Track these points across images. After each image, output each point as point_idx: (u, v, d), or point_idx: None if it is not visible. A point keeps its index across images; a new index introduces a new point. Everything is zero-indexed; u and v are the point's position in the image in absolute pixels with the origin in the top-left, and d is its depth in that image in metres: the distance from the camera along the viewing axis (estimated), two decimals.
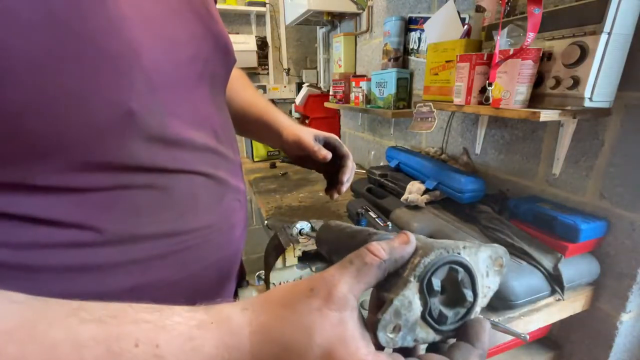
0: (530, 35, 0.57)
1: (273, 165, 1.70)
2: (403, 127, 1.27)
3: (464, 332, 0.24)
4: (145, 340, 0.19)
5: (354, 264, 0.23)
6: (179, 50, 0.32)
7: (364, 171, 1.32)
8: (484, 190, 0.81)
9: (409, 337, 0.23)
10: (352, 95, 1.36)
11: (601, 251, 0.65)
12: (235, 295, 0.51)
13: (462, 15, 0.85)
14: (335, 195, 0.60)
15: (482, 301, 0.25)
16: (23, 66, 0.21)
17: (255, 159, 1.86)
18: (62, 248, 0.26)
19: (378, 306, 0.23)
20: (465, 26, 0.78)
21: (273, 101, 2.26)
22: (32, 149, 0.24)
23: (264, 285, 0.54)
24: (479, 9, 0.75)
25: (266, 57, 2.19)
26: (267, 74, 2.24)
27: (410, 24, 1.13)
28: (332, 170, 0.61)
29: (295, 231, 0.51)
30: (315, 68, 2.21)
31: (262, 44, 2.14)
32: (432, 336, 0.23)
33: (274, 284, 0.50)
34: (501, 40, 0.65)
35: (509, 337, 0.58)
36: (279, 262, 0.49)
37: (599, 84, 0.54)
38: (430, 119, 0.83)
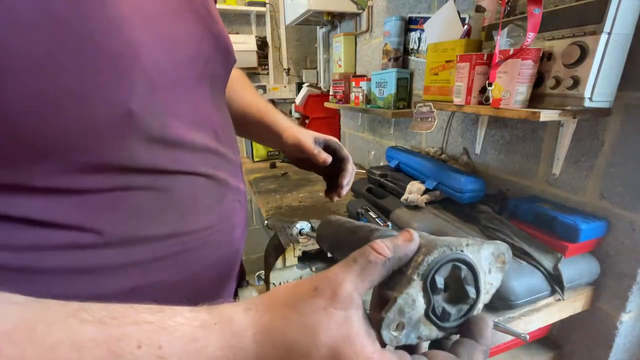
0: (530, 35, 0.57)
1: (273, 165, 1.70)
2: (403, 127, 1.27)
3: (467, 329, 0.24)
4: (147, 341, 0.19)
5: (358, 263, 0.22)
6: (179, 50, 0.32)
7: (364, 171, 1.32)
8: (484, 190, 0.81)
9: (413, 335, 0.23)
10: (352, 95, 1.36)
11: (601, 251, 0.65)
12: (235, 295, 0.51)
13: (462, 15, 0.85)
14: (336, 198, 0.60)
15: (485, 297, 0.25)
16: (23, 66, 0.21)
17: (255, 159, 1.86)
18: (61, 250, 0.26)
19: (381, 304, 0.23)
20: (465, 26, 0.78)
21: (273, 101, 2.26)
22: (31, 149, 0.24)
23: (264, 285, 0.54)
24: (479, 9, 0.75)
25: (266, 57, 2.19)
26: (267, 74, 2.24)
27: (410, 24, 1.13)
28: (332, 172, 0.61)
29: (295, 231, 0.51)
30: (315, 68, 2.21)
31: (262, 44, 2.14)
32: (435, 333, 0.23)
33: (274, 284, 0.50)
34: (501, 40, 0.65)
35: (509, 337, 0.58)
36: (279, 262, 0.49)
37: (599, 84, 0.54)
38: (430, 119, 0.83)
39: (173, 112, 0.31)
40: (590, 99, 0.55)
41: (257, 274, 1.57)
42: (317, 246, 0.49)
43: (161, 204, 0.31)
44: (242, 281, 0.52)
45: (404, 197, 0.88)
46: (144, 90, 0.28)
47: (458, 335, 0.25)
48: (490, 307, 0.60)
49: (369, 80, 1.26)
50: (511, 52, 0.60)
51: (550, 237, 0.65)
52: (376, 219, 0.90)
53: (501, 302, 0.58)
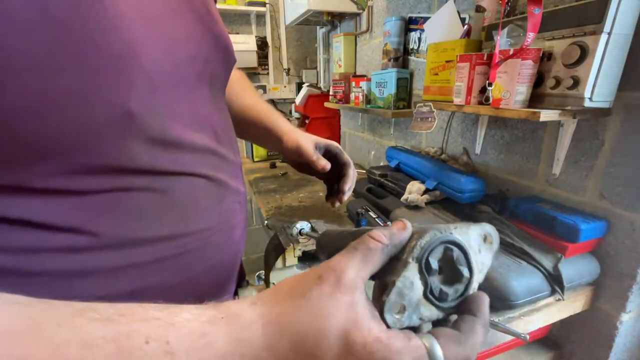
0: (530, 35, 0.57)
1: (273, 165, 1.70)
2: (403, 127, 1.27)
3: (466, 307, 0.25)
4: (155, 337, 0.19)
5: (359, 250, 0.24)
6: (179, 50, 0.32)
7: (364, 171, 1.32)
8: (484, 190, 0.81)
9: (414, 316, 0.24)
10: (352, 95, 1.36)
11: (601, 251, 0.65)
12: (235, 295, 0.51)
13: (462, 15, 0.85)
14: (337, 204, 0.60)
15: (479, 277, 0.27)
16: (22, 66, 0.21)
17: (255, 159, 1.86)
18: (58, 252, 0.26)
19: (381, 291, 0.24)
20: (465, 26, 0.78)
21: (273, 101, 2.26)
22: (30, 150, 0.23)
23: (264, 285, 0.54)
24: (479, 9, 0.75)
25: (266, 57, 2.19)
26: (267, 74, 2.24)
27: (410, 24, 1.13)
28: (333, 177, 0.61)
29: (295, 231, 0.51)
30: (315, 68, 2.21)
31: (262, 44, 2.14)
32: (435, 313, 0.25)
33: (273, 283, 0.51)
34: (501, 40, 0.65)
35: (509, 337, 0.58)
36: (279, 262, 0.49)
37: (599, 84, 0.54)
38: (430, 119, 0.83)
39: (173, 112, 0.31)
40: (590, 99, 0.55)
41: (257, 274, 1.57)
42: None
43: (161, 205, 0.31)
44: (242, 281, 0.52)
45: (404, 197, 0.88)
46: (143, 90, 0.28)
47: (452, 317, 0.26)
48: (490, 307, 0.59)
49: (369, 80, 1.26)
50: (511, 52, 0.60)
51: (550, 237, 0.65)
52: (376, 219, 0.90)
53: (501, 302, 0.58)
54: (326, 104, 1.62)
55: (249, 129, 0.61)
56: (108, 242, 0.28)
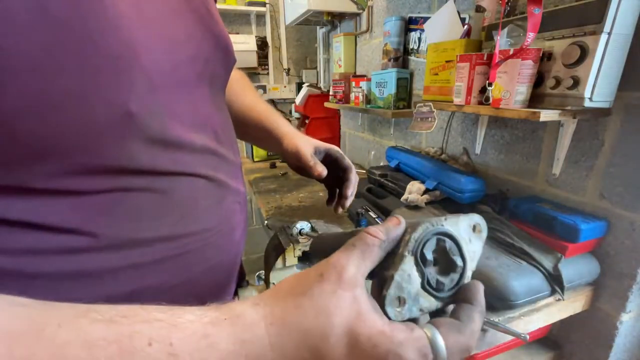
0: (530, 35, 0.57)
1: (273, 165, 1.70)
2: (403, 127, 1.27)
3: (462, 296, 0.26)
4: (158, 338, 0.19)
5: (357, 247, 0.24)
6: (179, 50, 0.32)
7: (364, 171, 1.32)
8: (484, 190, 0.81)
9: (414, 308, 0.25)
10: (352, 95, 1.36)
11: (601, 251, 0.65)
12: (235, 295, 0.51)
13: (462, 15, 0.85)
14: (340, 210, 0.59)
15: (471, 265, 0.27)
16: (21, 66, 0.21)
17: (255, 159, 1.86)
18: (58, 254, 0.26)
19: (380, 287, 0.25)
20: (465, 26, 0.78)
21: (273, 101, 2.26)
22: (30, 150, 0.23)
23: (264, 285, 0.54)
24: (479, 9, 0.75)
25: (266, 57, 2.19)
26: (267, 74, 2.24)
27: (410, 24, 1.13)
28: (333, 181, 0.60)
29: (295, 231, 0.51)
30: (315, 68, 2.21)
31: (262, 44, 2.14)
32: (434, 304, 0.26)
33: (273, 283, 0.50)
34: (501, 40, 0.65)
35: (509, 337, 0.58)
36: (279, 262, 0.49)
37: (599, 84, 0.55)
38: (430, 119, 0.83)
39: (173, 112, 0.31)
40: (590, 99, 0.55)
41: (257, 274, 1.57)
42: None
43: (161, 205, 0.31)
44: (242, 281, 0.52)
45: (404, 197, 0.88)
46: (143, 90, 0.28)
47: (449, 307, 0.27)
48: (490, 307, 0.60)
49: (369, 80, 1.26)
50: (511, 52, 0.60)
51: (550, 237, 0.65)
52: (376, 219, 0.90)
53: (501, 302, 0.58)
54: (326, 104, 1.62)
55: (249, 130, 0.61)
56: (107, 243, 0.28)
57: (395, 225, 0.26)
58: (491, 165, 0.88)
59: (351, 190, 0.57)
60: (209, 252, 0.36)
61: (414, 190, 0.88)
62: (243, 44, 2.00)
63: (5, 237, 0.24)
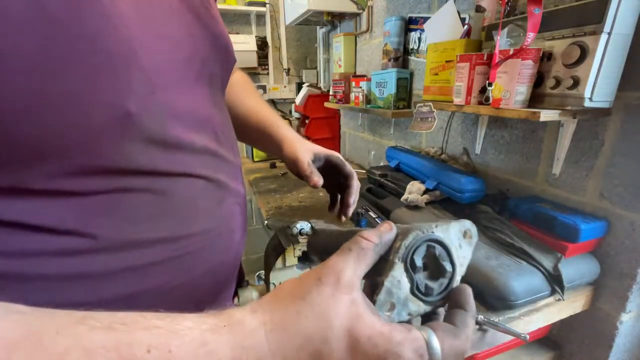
0: (530, 35, 0.57)
1: (273, 165, 1.70)
2: (403, 127, 1.27)
3: (454, 302, 0.27)
4: (157, 345, 0.19)
5: (353, 250, 0.25)
6: (178, 50, 0.32)
7: (364, 171, 1.32)
8: (484, 190, 0.81)
9: (404, 312, 0.25)
10: (352, 95, 1.36)
11: (601, 251, 0.65)
12: (235, 295, 0.51)
13: (462, 15, 0.85)
14: (343, 219, 0.58)
15: (461, 270, 0.28)
16: (15, 66, 0.21)
17: (255, 159, 1.86)
18: (55, 256, 0.26)
19: (371, 290, 0.25)
20: (465, 26, 0.78)
21: (273, 101, 2.26)
22: (27, 151, 0.23)
23: (264, 285, 0.54)
24: (479, 9, 0.75)
25: (266, 57, 2.19)
26: (267, 74, 2.24)
27: (410, 24, 1.13)
28: (334, 187, 0.60)
29: (295, 231, 0.51)
30: (315, 68, 2.21)
31: (262, 44, 2.14)
32: (423, 308, 0.26)
33: (273, 283, 0.51)
34: (501, 40, 0.65)
35: (509, 337, 0.58)
36: (279, 262, 0.49)
37: (599, 84, 0.54)
38: (430, 119, 0.83)
39: (173, 112, 0.31)
40: (590, 99, 0.55)
41: (257, 274, 1.57)
42: None
43: (160, 206, 0.31)
44: (241, 281, 0.52)
45: (404, 197, 0.88)
46: (142, 90, 0.28)
47: (443, 308, 0.28)
48: (491, 307, 0.60)
49: (369, 80, 1.26)
50: (511, 52, 0.60)
51: (550, 237, 0.65)
52: (376, 219, 0.90)
53: (501, 302, 0.58)
54: (326, 104, 1.62)
55: (251, 133, 0.60)
56: (107, 245, 0.28)
57: (387, 230, 0.26)
58: (491, 165, 0.88)
59: (353, 198, 0.56)
60: (209, 253, 0.36)
61: (414, 190, 0.88)
62: (243, 44, 2.00)
63: (3, 238, 0.24)
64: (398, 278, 0.25)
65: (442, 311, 0.28)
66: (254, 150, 1.84)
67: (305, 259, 0.51)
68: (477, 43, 0.76)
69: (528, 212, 0.70)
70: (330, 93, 1.59)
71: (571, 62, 0.56)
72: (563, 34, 0.57)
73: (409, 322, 0.26)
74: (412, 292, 0.25)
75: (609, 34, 0.52)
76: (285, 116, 2.17)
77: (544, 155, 0.74)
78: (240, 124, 0.57)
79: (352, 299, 0.23)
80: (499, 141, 0.85)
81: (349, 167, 0.58)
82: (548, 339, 0.78)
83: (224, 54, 0.40)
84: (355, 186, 0.57)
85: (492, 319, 0.56)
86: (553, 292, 0.61)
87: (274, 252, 0.51)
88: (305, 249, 0.50)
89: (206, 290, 0.37)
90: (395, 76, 1.10)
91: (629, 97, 0.58)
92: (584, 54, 0.54)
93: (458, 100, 0.73)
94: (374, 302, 0.24)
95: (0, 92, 0.21)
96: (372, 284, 0.26)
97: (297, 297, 0.23)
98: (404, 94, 1.14)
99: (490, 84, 0.64)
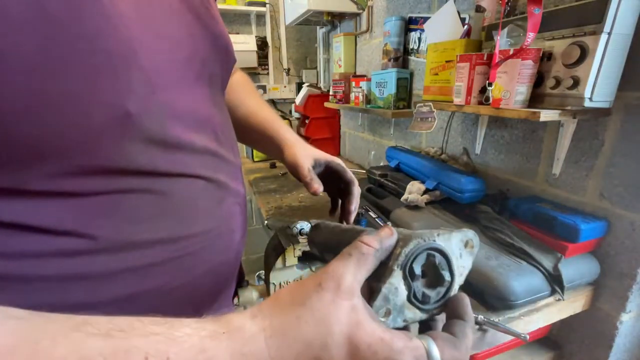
0: (530, 35, 0.57)
1: (273, 165, 1.70)
2: (403, 127, 1.27)
3: (452, 311, 0.27)
4: (155, 353, 0.19)
5: (353, 256, 0.25)
6: (178, 49, 0.32)
7: (364, 171, 1.32)
8: (484, 190, 0.81)
9: (399, 319, 0.25)
10: (352, 95, 1.36)
11: (601, 251, 0.65)
12: (235, 295, 0.51)
13: (462, 15, 0.85)
14: (345, 225, 0.59)
15: (459, 279, 0.28)
16: (16, 66, 0.21)
17: (255, 159, 1.86)
18: (54, 257, 0.26)
19: (369, 295, 0.25)
20: (465, 26, 0.78)
21: (273, 101, 2.26)
22: (26, 152, 0.23)
23: (264, 285, 0.54)
24: (479, 9, 0.75)
25: (266, 57, 2.19)
26: (267, 74, 2.24)
27: (410, 24, 1.13)
28: (335, 193, 0.60)
29: (295, 231, 0.51)
30: (315, 68, 2.21)
31: (262, 44, 2.14)
32: (419, 315, 0.26)
33: (273, 284, 0.51)
34: (501, 40, 0.65)
35: (509, 337, 0.58)
36: (279, 262, 0.49)
37: (599, 84, 0.54)
38: (430, 119, 0.83)
39: (173, 112, 0.31)
40: (590, 99, 0.55)
41: (257, 274, 1.57)
42: None
43: (159, 207, 0.31)
44: (241, 281, 0.52)
45: (404, 197, 0.88)
46: (142, 90, 0.27)
47: (439, 316, 0.28)
48: (491, 307, 0.60)
49: (369, 80, 1.26)
50: (511, 52, 0.60)
51: (550, 237, 0.65)
52: (376, 219, 0.90)
53: (501, 302, 0.58)
54: (326, 104, 1.62)
55: (252, 135, 0.60)
56: (106, 245, 0.28)
57: (388, 236, 0.26)
58: (491, 165, 0.88)
59: (354, 205, 0.56)
60: (209, 253, 0.36)
61: (414, 190, 0.88)
62: (243, 44, 2.00)
63: (3, 240, 0.24)
64: (396, 285, 0.25)
65: (439, 318, 0.28)
66: (254, 150, 1.84)
67: (305, 259, 0.51)
68: (477, 43, 0.76)
69: (528, 212, 0.70)
70: (330, 93, 1.59)
71: (571, 62, 0.56)
72: (563, 34, 0.57)
73: (404, 328, 0.26)
74: (408, 299, 0.25)
75: (609, 34, 0.52)
76: (285, 116, 2.17)
77: (544, 155, 0.74)
78: (240, 125, 0.57)
79: (352, 305, 0.23)
80: (499, 141, 0.85)
81: (350, 174, 0.57)
82: (548, 339, 0.78)
83: (224, 54, 0.40)
84: (357, 193, 0.56)
85: (492, 319, 0.56)
86: (553, 292, 0.61)
87: (274, 252, 0.51)
88: (305, 249, 0.50)
89: (206, 290, 0.37)
90: (395, 76, 1.10)
91: (629, 97, 0.58)
92: (584, 54, 0.54)
93: (458, 100, 0.73)
94: (370, 307, 0.24)
95: (1, 92, 0.21)
96: (370, 288, 0.26)
97: (297, 302, 0.23)
98: (404, 94, 1.14)
99: (490, 84, 0.64)
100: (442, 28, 0.87)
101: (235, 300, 0.51)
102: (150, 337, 0.19)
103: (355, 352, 0.22)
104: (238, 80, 0.61)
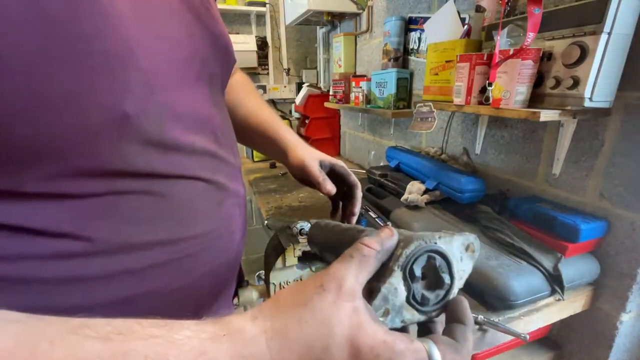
0: (530, 35, 0.57)
1: (273, 165, 1.70)
2: (403, 127, 1.27)
3: (452, 315, 0.27)
4: (154, 356, 0.18)
5: (355, 258, 0.25)
6: (178, 50, 0.32)
7: (364, 171, 1.32)
8: (484, 190, 0.81)
9: (397, 319, 0.25)
10: (352, 95, 1.36)
11: (601, 251, 0.65)
12: (235, 296, 0.51)
13: (462, 15, 0.85)
14: None
15: (459, 283, 0.28)
16: (12, 66, 0.21)
17: (255, 159, 1.86)
18: (51, 259, 0.25)
19: (368, 295, 0.25)
20: (465, 26, 0.78)
21: (273, 101, 2.26)
22: (22, 154, 0.23)
23: (264, 285, 0.54)
24: (479, 9, 0.75)
25: (266, 57, 2.19)
26: (267, 74, 2.24)
27: (410, 24, 1.13)
28: (337, 195, 0.59)
29: (295, 231, 0.51)
30: (315, 68, 2.21)
31: (262, 44, 2.14)
32: (417, 317, 0.26)
33: (273, 284, 0.50)
34: (501, 40, 0.65)
35: (509, 337, 0.58)
36: (279, 262, 0.49)
37: (599, 84, 0.54)
38: (430, 119, 0.83)
39: (172, 114, 0.31)
40: (590, 99, 0.55)
41: (257, 274, 1.57)
42: None
43: (157, 209, 0.30)
44: (241, 281, 0.52)
45: (404, 197, 0.88)
46: (140, 91, 0.27)
47: (439, 319, 0.28)
48: (491, 307, 0.60)
49: (369, 80, 1.26)
50: (511, 52, 0.60)
51: (550, 237, 0.65)
52: (376, 219, 0.90)
53: (501, 302, 0.58)
54: (326, 104, 1.62)
55: (252, 137, 0.60)
56: (103, 248, 0.27)
57: (389, 237, 0.26)
58: (491, 165, 0.88)
59: (357, 208, 0.57)
60: (209, 255, 0.35)
61: (414, 190, 0.88)
62: (243, 44, 2.00)
63: (1, 242, 0.24)
64: (395, 285, 0.25)
65: (438, 321, 0.28)
66: (254, 150, 1.84)
67: (305, 259, 0.51)
68: (477, 43, 0.76)
69: (528, 212, 0.70)
70: (330, 93, 1.59)
71: (571, 62, 0.56)
72: (563, 34, 0.57)
73: (403, 329, 0.26)
74: (407, 300, 0.25)
75: (609, 34, 0.52)
76: (285, 116, 2.17)
77: (544, 155, 0.74)
78: (240, 126, 0.56)
79: (354, 307, 0.22)
80: (499, 141, 0.85)
81: (353, 177, 0.57)
82: (548, 339, 0.78)
83: (224, 54, 0.40)
84: (359, 196, 0.57)
85: (492, 319, 0.56)
86: (553, 292, 0.61)
87: (274, 252, 0.51)
88: (305, 249, 0.50)
89: (206, 291, 0.37)
90: (395, 76, 1.10)
91: (629, 97, 0.58)
92: (584, 54, 0.54)
93: (458, 100, 0.73)
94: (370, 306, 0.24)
95: (1, 92, 0.21)
96: (370, 288, 0.26)
97: (299, 304, 0.23)
98: (404, 94, 1.14)
99: (490, 84, 0.64)
100: (442, 28, 0.87)
101: (235, 300, 0.51)
102: (149, 340, 0.19)
103: (357, 354, 0.21)
104: (238, 81, 0.60)
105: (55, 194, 0.25)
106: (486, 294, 0.60)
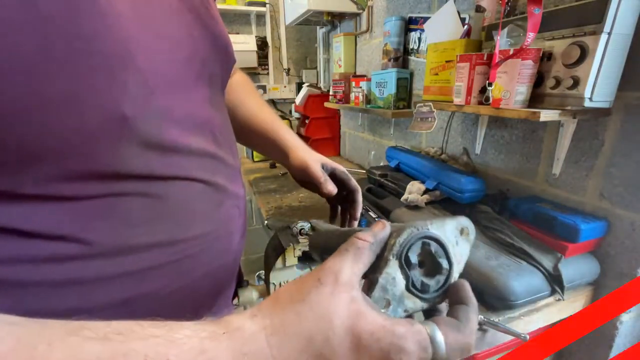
0: (530, 35, 0.57)
1: (273, 165, 1.70)
2: (403, 127, 1.27)
3: (454, 298, 0.27)
4: (154, 355, 0.18)
5: (350, 251, 0.25)
6: (177, 50, 0.31)
7: (364, 171, 1.32)
8: (484, 190, 0.81)
9: (399, 309, 0.25)
10: (352, 95, 1.36)
11: (601, 251, 0.65)
12: (235, 296, 0.51)
13: (462, 15, 0.85)
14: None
15: (458, 267, 0.28)
16: (9, 67, 0.20)
17: (255, 159, 1.86)
18: (49, 262, 0.25)
19: (368, 288, 0.26)
20: (465, 26, 0.78)
21: (273, 101, 2.26)
22: (19, 156, 0.23)
23: (264, 285, 0.54)
24: (479, 9, 0.75)
25: (266, 57, 2.19)
26: (267, 74, 2.24)
27: (410, 24, 1.13)
28: (336, 199, 0.60)
29: (295, 231, 0.51)
30: (315, 68, 2.21)
31: (262, 44, 2.14)
32: (419, 305, 0.26)
33: (273, 284, 0.50)
34: (501, 40, 0.65)
35: (509, 337, 0.58)
36: (279, 262, 0.49)
37: (599, 84, 0.54)
38: (430, 119, 0.83)
39: (171, 115, 0.30)
40: (590, 99, 0.55)
41: (257, 274, 1.57)
42: None
43: (156, 211, 0.30)
44: (241, 282, 0.52)
45: (404, 197, 0.88)
46: (139, 93, 0.27)
47: (443, 306, 0.28)
48: (491, 307, 0.60)
49: (369, 80, 1.26)
50: (511, 52, 0.60)
51: (550, 237, 0.65)
52: (376, 219, 0.90)
53: (501, 302, 0.58)
54: (326, 104, 1.62)
55: (252, 137, 0.60)
56: (102, 250, 0.27)
57: (381, 229, 0.27)
58: (491, 165, 0.88)
59: (359, 212, 0.57)
60: (208, 257, 0.35)
61: (414, 190, 0.88)
62: (243, 44, 2.00)
63: None
64: (393, 275, 0.25)
65: (444, 307, 0.28)
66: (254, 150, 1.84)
67: (305, 259, 0.51)
68: (477, 43, 0.76)
69: (528, 212, 0.70)
70: (330, 93, 1.59)
71: (571, 62, 0.56)
72: (563, 34, 0.57)
73: (412, 317, 0.26)
74: (407, 288, 0.26)
75: (609, 34, 0.52)
76: (285, 116, 2.17)
77: (544, 155, 0.74)
78: (240, 127, 0.56)
79: (351, 297, 0.23)
80: (499, 141, 0.85)
81: (354, 182, 0.58)
82: None
83: (224, 54, 0.40)
84: (360, 200, 0.57)
85: (492, 319, 0.56)
86: (553, 292, 0.61)
87: (274, 252, 0.51)
88: (305, 249, 0.50)
89: (205, 293, 0.37)
90: (395, 76, 1.10)
91: (629, 97, 0.58)
92: (584, 54, 0.54)
93: (458, 100, 0.73)
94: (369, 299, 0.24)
95: (1, 92, 0.20)
96: (368, 281, 0.26)
97: (297, 299, 0.23)
98: (404, 94, 1.14)
99: (490, 84, 0.64)
100: (442, 28, 0.87)
101: (235, 300, 0.51)
102: (149, 340, 0.19)
103: (358, 342, 0.22)
104: (238, 81, 0.60)
105: (53, 196, 0.25)
106: (486, 294, 0.60)
